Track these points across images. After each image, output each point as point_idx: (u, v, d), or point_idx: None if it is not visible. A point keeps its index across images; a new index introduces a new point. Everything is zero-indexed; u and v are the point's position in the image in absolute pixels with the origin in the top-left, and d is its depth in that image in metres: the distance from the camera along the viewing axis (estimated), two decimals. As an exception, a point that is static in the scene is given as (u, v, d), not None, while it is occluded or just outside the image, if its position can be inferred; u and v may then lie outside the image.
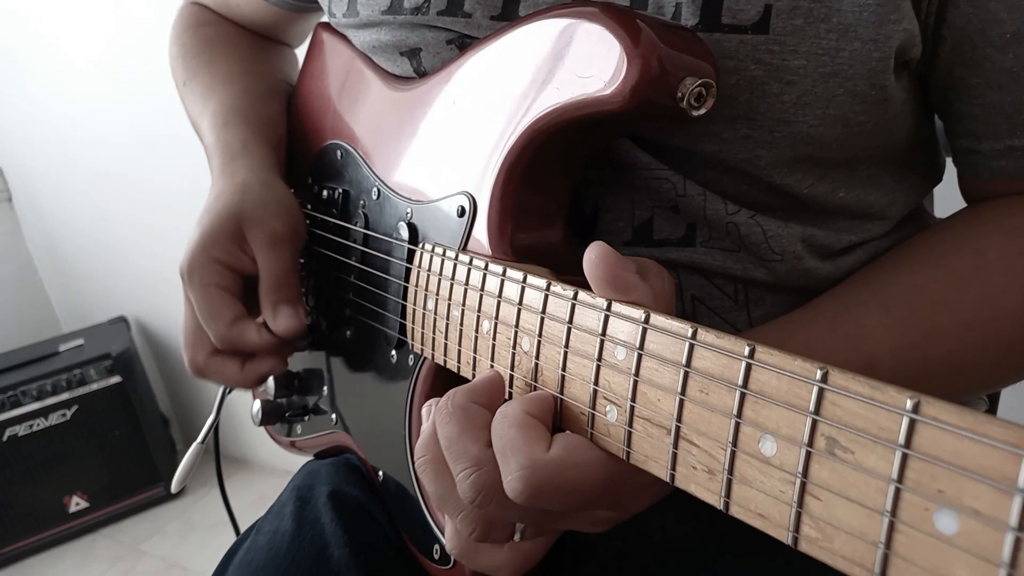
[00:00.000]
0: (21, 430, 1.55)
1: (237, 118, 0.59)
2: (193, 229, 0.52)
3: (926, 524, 0.21)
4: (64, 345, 1.66)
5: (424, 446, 0.36)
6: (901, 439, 0.22)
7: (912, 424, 0.21)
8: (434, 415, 0.36)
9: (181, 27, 0.69)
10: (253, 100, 0.62)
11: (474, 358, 0.41)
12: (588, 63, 0.36)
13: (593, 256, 0.32)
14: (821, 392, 0.24)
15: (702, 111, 0.35)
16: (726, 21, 0.38)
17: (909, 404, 0.22)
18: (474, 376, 0.40)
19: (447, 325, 0.43)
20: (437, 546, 0.45)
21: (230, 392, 0.64)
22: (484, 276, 0.40)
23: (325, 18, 0.58)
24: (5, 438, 1.53)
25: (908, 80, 0.42)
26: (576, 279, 0.35)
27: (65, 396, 1.57)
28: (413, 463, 0.47)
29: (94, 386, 1.59)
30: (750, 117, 0.40)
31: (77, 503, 1.64)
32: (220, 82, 0.63)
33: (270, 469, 1.77)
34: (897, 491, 0.22)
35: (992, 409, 0.66)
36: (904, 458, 0.22)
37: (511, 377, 0.38)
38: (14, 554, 1.60)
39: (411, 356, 0.48)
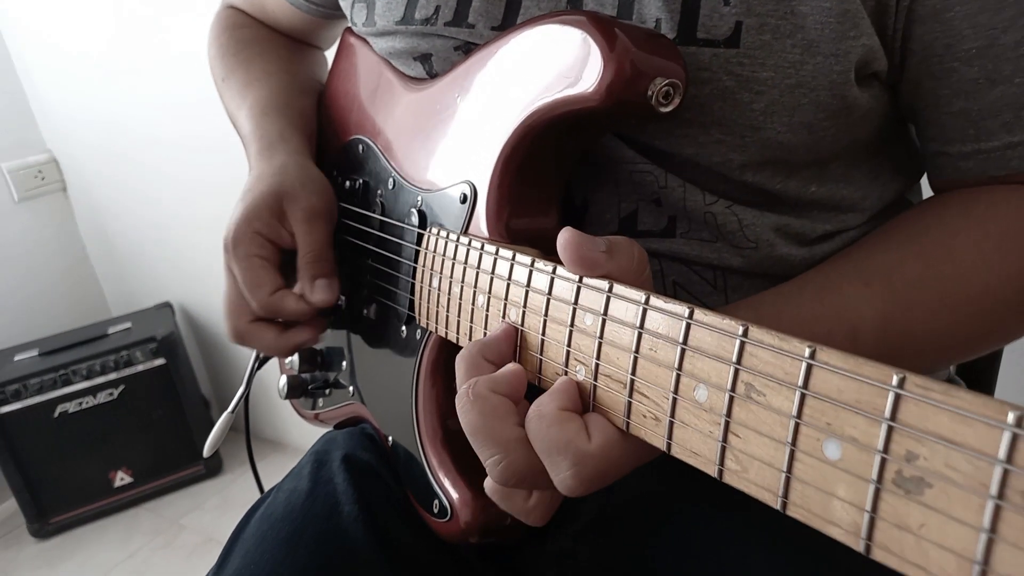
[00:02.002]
0: (71, 407, 1.63)
1: (274, 110, 0.65)
2: (235, 206, 0.57)
3: (817, 451, 0.25)
4: (112, 328, 1.74)
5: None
6: (800, 381, 0.26)
7: (809, 369, 0.25)
8: (457, 402, 0.37)
9: (219, 28, 0.75)
10: (288, 95, 0.67)
11: (471, 328, 0.45)
12: (571, 65, 0.40)
13: (562, 241, 0.35)
14: (743, 345, 0.28)
15: (669, 108, 0.39)
16: (701, 36, 0.42)
17: (807, 352, 0.25)
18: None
19: (448, 300, 0.47)
20: (436, 501, 0.49)
21: (259, 368, 0.70)
22: (480, 255, 0.44)
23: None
24: (56, 414, 1.62)
25: (878, 89, 0.45)
26: None
27: (112, 376, 1.65)
28: (419, 426, 0.51)
29: (139, 367, 1.67)
30: (723, 123, 0.43)
31: (122, 478, 1.72)
32: (257, 78, 0.68)
33: (303, 451, 1.84)
34: (796, 425, 0.26)
35: (990, 386, 0.69)
36: (802, 397, 0.25)
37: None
38: (64, 524, 1.70)
39: (419, 331, 0.52)
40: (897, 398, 0.23)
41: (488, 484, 0.39)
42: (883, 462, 0.23)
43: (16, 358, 1.66)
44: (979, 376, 0.67)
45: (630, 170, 0.47)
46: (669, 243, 0.48)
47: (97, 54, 1.69)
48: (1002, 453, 0.20)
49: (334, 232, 0.60)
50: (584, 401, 0.36)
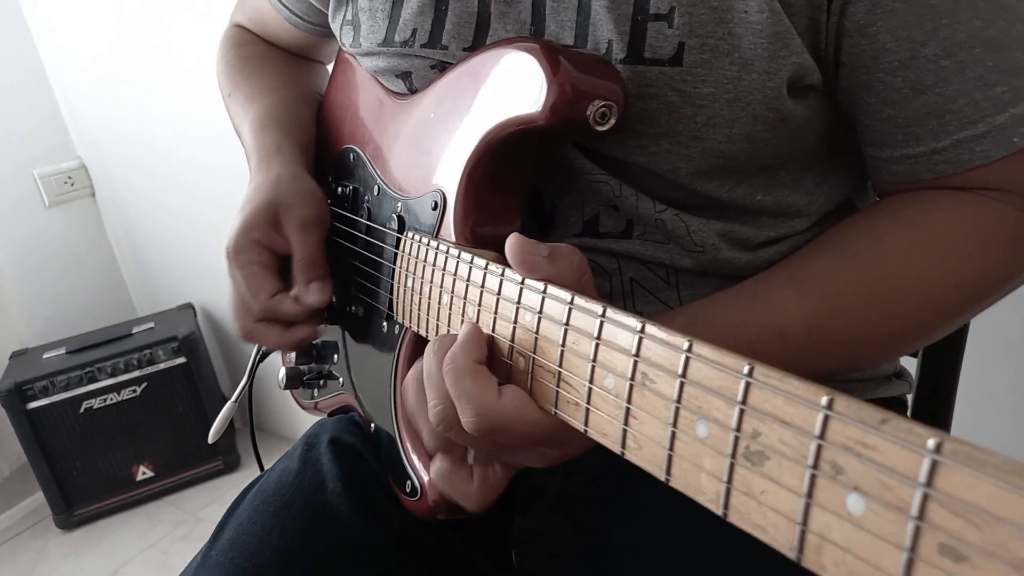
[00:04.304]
0: (96, 403, 1.70)
1: (272, 123, 0.70)
2: (235, 216, 0.61)
3: (691, 431, 0.29)
4: (137, 328, 1.81)
5: (414, 378, 0.45)
6: (680, 370, 0.29)
7: (687, 360, 0.29)
8: (427, 348, 0.43)
9: (226, 46, 0.80)
10: (286, 108, 0.72)
11: (436, 325, 0.49)
12: (522, 87, 0.45)
13: (509, 245, 0.39)
14: (640, 340, 0.32)
15: (606, 127, 0.43)
16: (648, 55, 0.46)
17: (686, 345, 0.29)
18: None
19: (419, 299, 0.52)
20: (409, 482, 0.53)
21: (261, 361, 0.75)
22: (446, 258, 0.49)
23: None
24: (82, 410, 1.69)
25: (815, 100, 0.49)
26: None
27: (136, 374, 1.72)
28: (396, 412, 0.56)
29: (162, 366, 1.73)
30: (670, 135, 0.47)
31: (144, 472, 1.79)
32: (259, 93, 0.73)
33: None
34: (676, 409, 0.30)
35: (953, 379, 0.71)
36: (681, 385, 0.29)
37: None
38: (88, 515, 1.77)
39: (397, 327, 0.57)
40: (747, 385, 0.26)
41: (434, 467, 0.44)
42: (736, 439, 0.27)
43: (45, 356, 1.74)
44: (943, 371, 0.69)
45: (589, 179, 0.51)
46: (627, 244, 0.52)
47: (125, 64, 1.76)
48: (817, 430, 0.24)
49: (326, 237, 0.64)
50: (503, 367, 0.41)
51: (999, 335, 0.89)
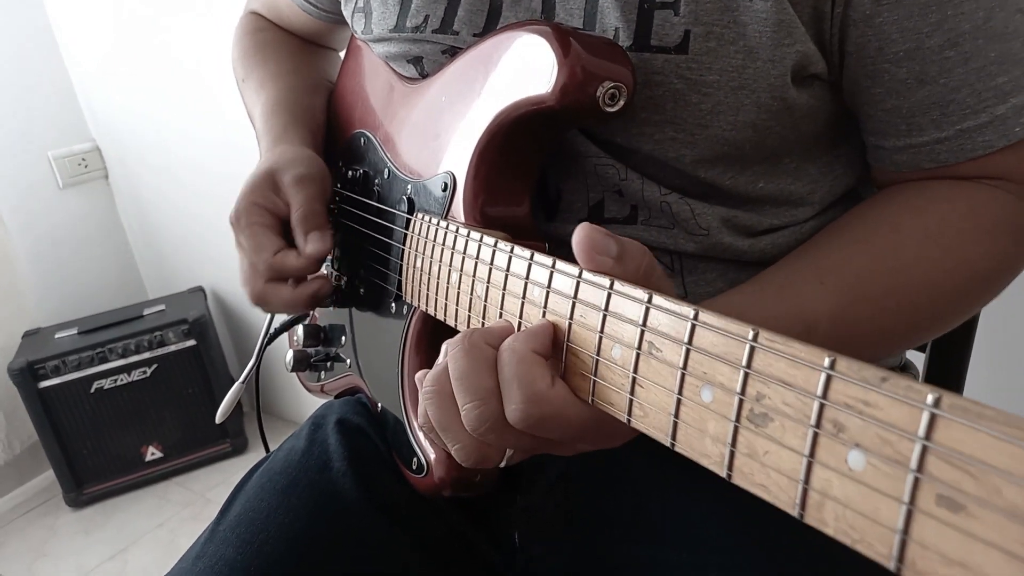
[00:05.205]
0: (107, 384, 1.72)
1: (283, 108, 0.71)
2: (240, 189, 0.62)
3: (696, 396, 0.29)
4: (148, 310, 1.82)
5: (435, 378, 0.39)
6: (686, 338, 0.30)
7: (693, 328, 0.30)
8: (449, 350, 0.39)
9: (240, 32, 0.81)
10: (296, 94, 0.73)
11: (445, 304, 0.50)
12: (532, 69, 0.45)
13: (578, 236, 0.35)
14: (647, 310, 0.32)
15: (615, 109, 0.44)
16: (654, 43, 0.46)
17: (691, 313, 0.30)
18: (445, 318, 0.50)
19: (428, 279, 0.52)
20: (415, 459, 0.54)
21: (269, 343, 0.75)
22: (455, 237, 0.49)
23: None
24: (92, 390, 1.71)
25: (819, 89, 0.49)
26: (532, 244, 0.44)
27: (146, 355, 1.73)
28: (404, 392, 0.57)
29: (172, 348, 1.75)
30: (674, 122, 0.48)
31: (153, 453, 1.81)
32: (270, 79, 0.74)
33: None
34: (682, 375, 0.30)
35: (959, 381, 0.71)
36: (687, 352, 0.30)
37: (468, 318, 0.47)
38: (98, 495, 1.79)
39: (405, 306, 0.58)
40: (752, 350, 0.27)
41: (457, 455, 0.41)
42: (740, 403, 0.27)
43: (57, 336, 1.76)
44: (950, 362, 0.69)
45: (595, 164, 0.51)
46: (631, 229, 0.52)
47: (140, 48, 1.77)
48: (819, 390, 0.24)
49: (326, 195, 0.64)
50: (557, 346, 0.38)
51: (1008, 330, 0.89)
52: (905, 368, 0.63)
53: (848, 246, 0.49)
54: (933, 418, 0.21)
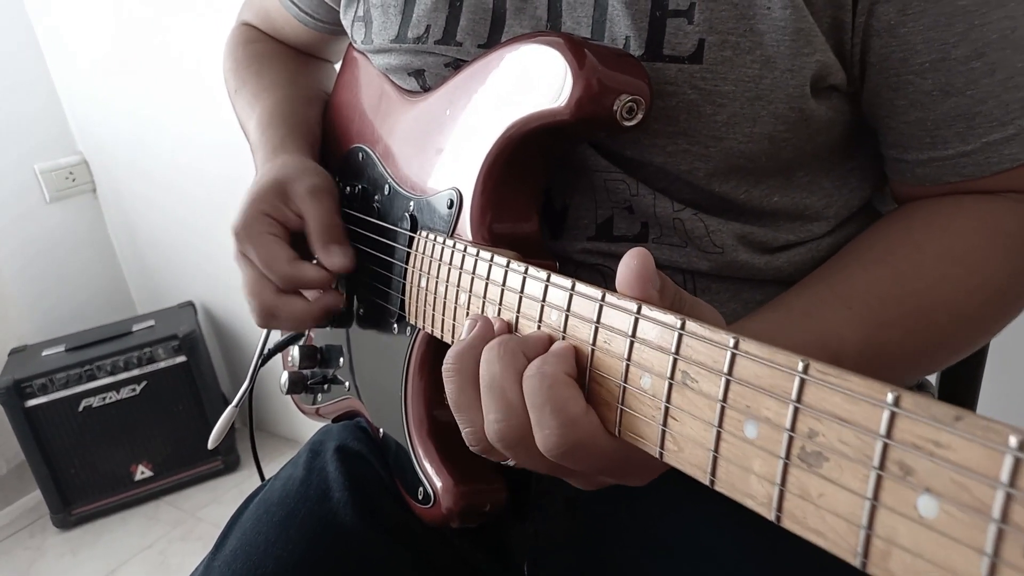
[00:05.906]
0: (95, 401, 1.68)
1: (279, 120, 0.68)
2: (242, 199, 0.59)
3: (739, 431, 0.28)
4: (137, 326, 1.79)
5: (458, 356, 0.38)
6: (726, 368, 0.28)
7: (733, 357, 0.28)
8: (484, 353, 0.37)
9: (233, 43, 0.79)
10: (292, 106, 0.71)
11: (453, 325, 0.48)
12: (546, 82, 0.43)
13: (634, 262, 0.33)
14: (680, 337, 0.30)
15: (633, 123, 0.42)
16: (667, 52, 0.44)
17: (731, 342, 0.28)
18: (453, 340, 0.48)
19: (435, 299, 0.50)
20: (421, 488, 0.52)
21: (262, 364, 0.73)
22: (463, 257, 0.47)
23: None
24: (80, 408, 1.67)
25: (837, 100, 0.47)
26: (542, 263, 0.42)
27: (135, 372, 1.70)
28: (408, 418, 0.54)
29: (162, 364, 1.71)
30: (688, 134, 0.46)
31: (142, 471, 1.77)
32: (265, 90, 0.72)
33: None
34: (722, 408, 0.28)
35: (972, 398, 0.70)
36: (727, 383, 0.28)
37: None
38: (86, 515, 1.75)
39: (408, 328, 0.55)
40: (802, 382, 0.25)
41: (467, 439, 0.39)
42: (790, 439, 0.26)
43: (44, 353, 1.72)
44: (960, 386, 0.68)
45: (604, 178, 0.50)
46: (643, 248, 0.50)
47: (127, 60, 1.75)
48: (883, 429, 0.23)
49: (339, 207, 0.61)
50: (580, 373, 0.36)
51: (1021, 345, 0.88)
52: (921, 387, 0.61)
53: (871, 268, 0.47)
54: (1018, 463, 0.19)
